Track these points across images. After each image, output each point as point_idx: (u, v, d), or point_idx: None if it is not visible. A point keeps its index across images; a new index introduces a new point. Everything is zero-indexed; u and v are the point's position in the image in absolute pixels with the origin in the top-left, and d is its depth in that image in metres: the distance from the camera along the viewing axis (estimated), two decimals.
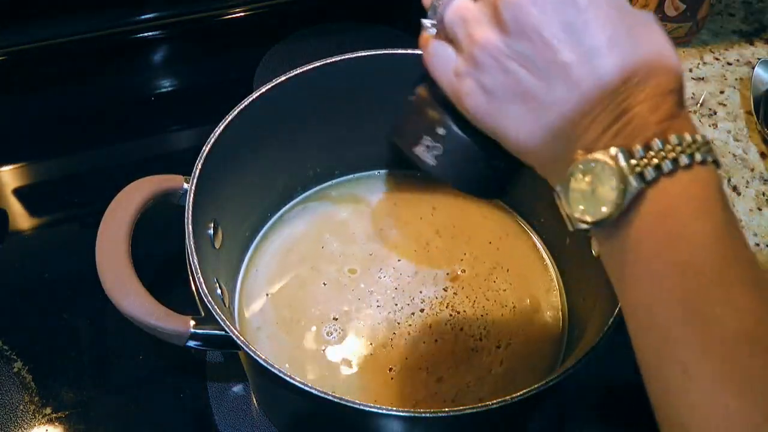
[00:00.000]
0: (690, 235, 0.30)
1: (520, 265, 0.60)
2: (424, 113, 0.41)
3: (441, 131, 0.40)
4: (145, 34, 0.80)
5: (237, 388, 0.56)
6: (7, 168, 0.71)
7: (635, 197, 0.31)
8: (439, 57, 0.38)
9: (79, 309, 0.60)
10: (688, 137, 0.30)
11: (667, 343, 0.30)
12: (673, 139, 0.30)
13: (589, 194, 0.32)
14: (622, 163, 0.31)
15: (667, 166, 0.30)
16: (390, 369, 0.53)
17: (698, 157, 0.30)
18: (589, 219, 0.32)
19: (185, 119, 0.75)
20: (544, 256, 0.61)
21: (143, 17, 0.79)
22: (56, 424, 0.54)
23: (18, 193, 0.69)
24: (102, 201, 0.48)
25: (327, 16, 0.84)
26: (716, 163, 0.31)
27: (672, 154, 0.30)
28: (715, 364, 0.29)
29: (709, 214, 0.30)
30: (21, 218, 0.67)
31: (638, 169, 0.30)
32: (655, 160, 0.30)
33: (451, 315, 0.56)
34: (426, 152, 0.41)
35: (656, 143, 0.30)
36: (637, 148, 0.30)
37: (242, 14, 0.83)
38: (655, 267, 0.31)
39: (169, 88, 0.79)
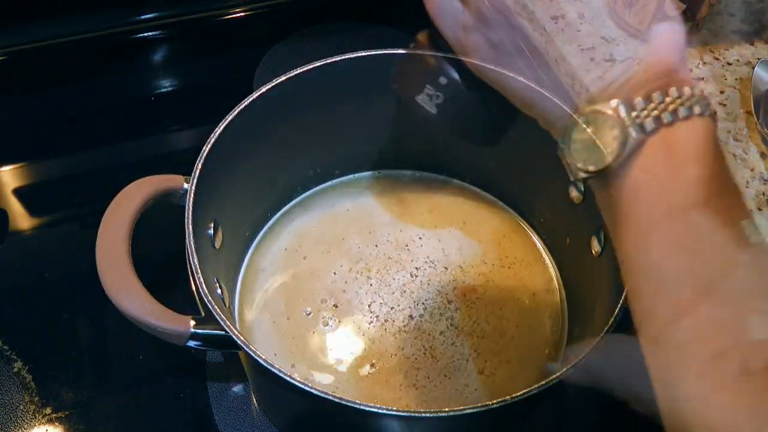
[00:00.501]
0: (683, 179, 0.31)
1: (530, 287, 0.59)
2: (426, 62, 0.42)
3: (442, 80, 0.41)
4: (145, 34, 0.80)
5: (237, 388, 0.56)
6: (7, 168, 0.71)
7: (635, 147, 0.32)
8: (445, 10, 0.38)
9: (79, 309, 0.60)
10: (687, 90, 0.32)
11: (661, 284, 0.31)
12: (672, 92, 0.32)
13: (590, 145, 0.33)
14: (623, 114, 0.32)
15: (666, 117, 0.31)
16: (372, 365, 0.54)
17: (696, 109, 0.32)
18: (591, 168, 0.34)
19: (185, 119, 0.75)
20: (544, 256, 0.61)
21: (143, 17, 0.79)
22: (56, 424, 0.54)
23: (18, 193, 0.68)
24: (102, 201, 0.48)
25: (327, 16, 0.84)
26: (713, 117, 0.33)
27: (672, 106, 0.32)
28: (706, 305, 0.29)
29: (703, 161, 0.31)
30: (21, 218, 0.67)
31: (638, 120, 0.32)
32: (655, 112, 0.32)
33: (447, 327, 0.56)
34: (428, 101, 0.42)
35: (656, 96, 0.32)
36: (638, 101, 0.32)
37: (242, 14, 0.83)
38: (650, 209, 0.32)
39: (169, 88, 0.79)
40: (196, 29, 0.82)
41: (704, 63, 0.75)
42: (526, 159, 0.58)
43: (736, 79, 0.73)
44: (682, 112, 0.31)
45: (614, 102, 0.32)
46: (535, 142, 0.56)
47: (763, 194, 0.63)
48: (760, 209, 0.62)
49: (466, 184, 0.65)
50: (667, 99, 0.31)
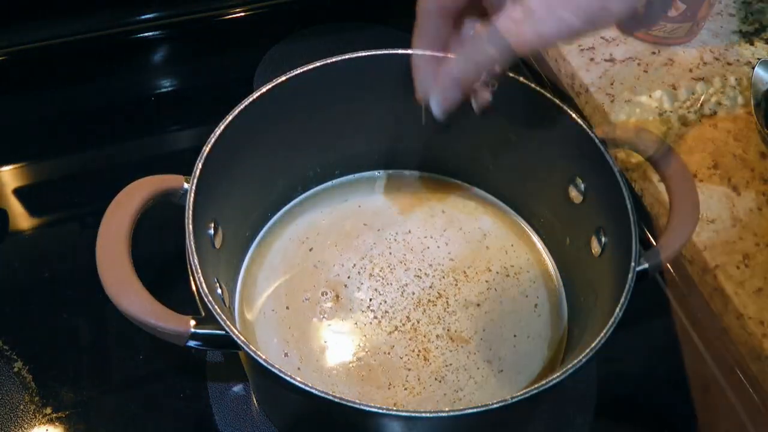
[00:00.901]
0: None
1: (531, 298, 0.58)
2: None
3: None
4: (145, 34, 0.80)
5: (237, 388, 0.56)
6: (7, 168, 0.71)
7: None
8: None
9: (79, 309, 0.60)
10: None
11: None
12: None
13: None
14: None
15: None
16: (360, 359, 0.54)
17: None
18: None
19: (185, 119, 0.75)
20: (544, 256, 0.61)
21: (143, 17, 0.79)
22: (56, 424, 0.54)
23: (18, 193, 0.68)
24: (102, 201, 0.48)
25: (327, 16, 0.84)
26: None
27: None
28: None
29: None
30: (21, 218, 0.67)
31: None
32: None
33: (444, 332, 0.56)
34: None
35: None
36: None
37: (242, 14, 0.83)
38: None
39: (169, 88, 0.79)
40: (196, 29, 0.82)
41: (704, 63, 0.74)
42: (526, 159, 0.58)
43: (736, 79, 0.73)
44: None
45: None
46: (535, 142, 0.56)
47: (763, 194, 0.63)
48: (760, 209, 0.62)
49: (466, 184, 0.65)
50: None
